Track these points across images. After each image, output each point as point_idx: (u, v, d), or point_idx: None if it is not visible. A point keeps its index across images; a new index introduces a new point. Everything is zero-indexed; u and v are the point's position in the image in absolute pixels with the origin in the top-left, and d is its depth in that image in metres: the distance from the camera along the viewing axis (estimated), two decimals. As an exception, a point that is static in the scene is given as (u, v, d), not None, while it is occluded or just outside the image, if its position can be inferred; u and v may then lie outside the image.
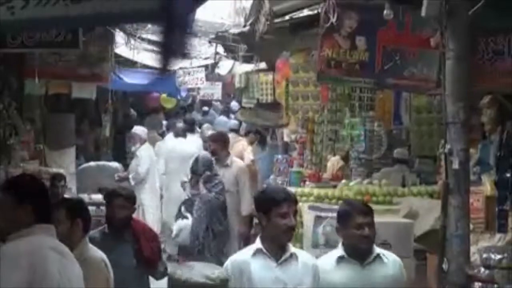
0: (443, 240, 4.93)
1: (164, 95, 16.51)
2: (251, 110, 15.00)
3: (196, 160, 8.47)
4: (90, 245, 4.88)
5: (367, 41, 5.87)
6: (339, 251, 4.34)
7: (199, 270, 4.14)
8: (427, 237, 6.00)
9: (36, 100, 10.39)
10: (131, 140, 12.32)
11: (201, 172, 8.28)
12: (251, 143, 12.36)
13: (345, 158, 9.56)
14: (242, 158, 11.75)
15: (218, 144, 8.89)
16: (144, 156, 11.53)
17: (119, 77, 13.56)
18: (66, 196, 7.83)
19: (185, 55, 3.49)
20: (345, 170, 9.16)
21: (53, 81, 10.21)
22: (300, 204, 6.89)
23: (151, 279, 6.10)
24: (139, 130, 12.10)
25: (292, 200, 4.25)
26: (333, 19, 5.70)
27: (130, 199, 5.87)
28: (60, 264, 3.48)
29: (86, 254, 4.71)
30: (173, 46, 3.07)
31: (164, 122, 16.77)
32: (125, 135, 14.74)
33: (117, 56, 10.83)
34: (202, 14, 17.03)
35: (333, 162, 9.46)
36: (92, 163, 11.92)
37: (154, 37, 16.24)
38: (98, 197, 9.89)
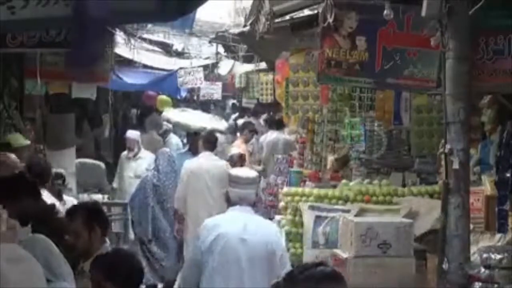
0: (443, 240, 4.93)
1: (161, 97, 16.42)
2: (181, 111, 14.89)
3: None
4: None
5: (367, 41, 5.87)
6: None
7: None
8: (427, 237, 6.00)
9: (36, 100, 10.39)
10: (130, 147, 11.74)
11: None
12: (246, 141, 12.37)
13: (343, 158, 9.53)
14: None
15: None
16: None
17: (119, 77, 13.56)
18: (77, 202, 7.32)
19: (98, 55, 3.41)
20: (345, 170, 9.15)
21: (53, 81, 10.22)
22: (300, 204, 6.91)
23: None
24: (132, 134, 11.87)
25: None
26: (330, 19, 5.69)
27: None
28: (20, 274, 3.35)
29: None
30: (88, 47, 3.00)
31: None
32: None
33: (117, 56, 10.83)
34: (202, 14, 17.10)
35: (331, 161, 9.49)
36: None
37: (154, 37, 16.27)
38: (98, 196, 9.93)
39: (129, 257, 3.99)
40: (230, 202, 5.30)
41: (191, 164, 9.06)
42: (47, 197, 6.61)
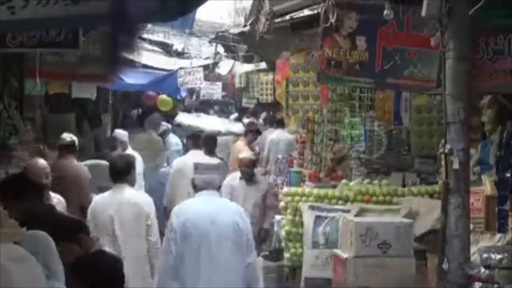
0: (443, 240, 4.93)
1: (161, 98, 16.38)
2: (194, 113, 14.87)
3: None
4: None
5: (367, 41, 5.87)
6: None
7: None
8: (427, 237, 6.00)
9: (36, 100, 10.38)
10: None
11: None
12: (249, 142, 12.34)
13: (342, 158, 9.52)
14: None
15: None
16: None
17: (119, 77, 13.53)
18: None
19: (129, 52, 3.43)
20: (345, 170, 9.14)
21: (53, 81, 10.22)
22: (300, 204, 6.90)
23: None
24: (119, 133, 11.41)
25: None
26: (332, 19, 5.70)
27: None
28: (21, 273, 3.34)
29: None
30: (120, 45, 2.99)
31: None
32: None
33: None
34: (202, 14, 17.11)
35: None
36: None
37: (154, 37, 16.24)
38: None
39: (110, 260, 3.79)
40: (196, 187, 5.70)
41: (178, 162, 9.23)
42: (129, 189, 6.57)
